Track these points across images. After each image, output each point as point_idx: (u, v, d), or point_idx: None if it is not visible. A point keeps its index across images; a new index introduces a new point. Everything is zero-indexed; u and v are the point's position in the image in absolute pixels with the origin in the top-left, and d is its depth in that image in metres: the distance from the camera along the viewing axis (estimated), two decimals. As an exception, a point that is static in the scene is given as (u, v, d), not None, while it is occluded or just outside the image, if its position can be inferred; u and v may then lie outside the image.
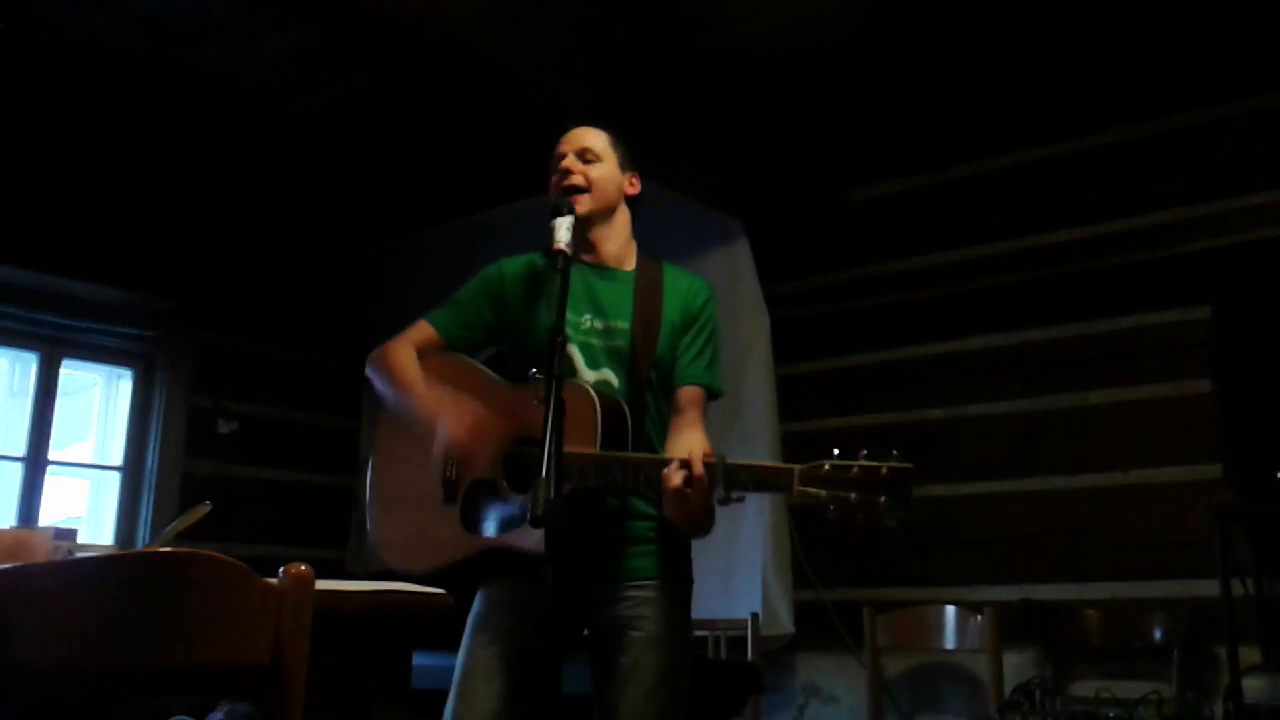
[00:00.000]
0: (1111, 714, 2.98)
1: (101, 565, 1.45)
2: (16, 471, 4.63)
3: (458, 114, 4.49)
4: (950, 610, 4.03)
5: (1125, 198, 4.20)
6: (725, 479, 1.98)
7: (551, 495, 1.74)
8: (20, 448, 4.65)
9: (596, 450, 2.09)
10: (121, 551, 2.66)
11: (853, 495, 1.87)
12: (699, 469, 1.99)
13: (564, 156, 2.40)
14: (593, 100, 3.91)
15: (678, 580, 2.34)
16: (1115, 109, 4.21)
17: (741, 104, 4.35)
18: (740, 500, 2.01)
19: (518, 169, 4.77)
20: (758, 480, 2.01)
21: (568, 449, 1.89)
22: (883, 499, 1.86)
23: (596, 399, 2.15)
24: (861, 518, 1.88)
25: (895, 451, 1.89)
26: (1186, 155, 4.12)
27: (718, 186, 4.57)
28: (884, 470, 1.87)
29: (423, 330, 2.44)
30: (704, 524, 2.10)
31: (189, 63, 4.13)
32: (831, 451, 1.91)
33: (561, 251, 2.13)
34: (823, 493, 1.89)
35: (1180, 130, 4.15)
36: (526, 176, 4.66)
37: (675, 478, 2.00)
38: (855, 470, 1.88)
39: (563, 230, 2.19)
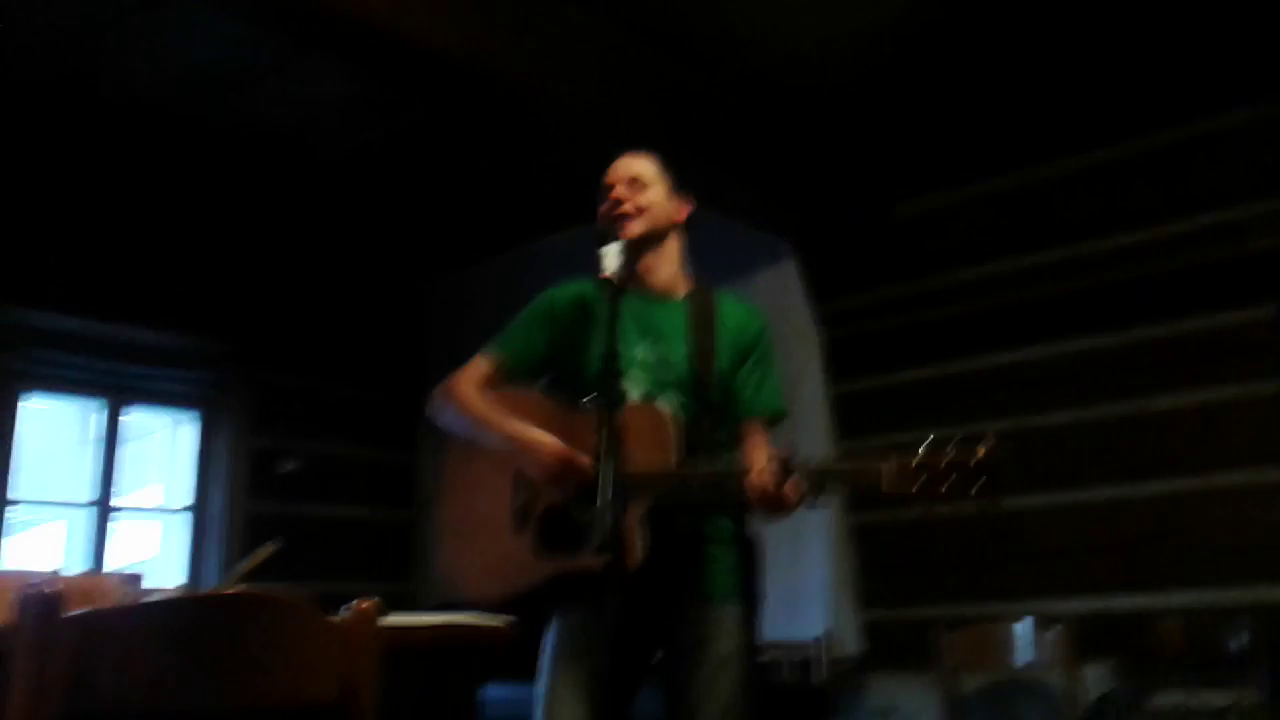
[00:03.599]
0: (1196, 726, 2.90)
1: (171, 608, 1.46)
2: (86, 518, 4.71)
3: (503, 147, 4.53)
4: (1025, 624, 3.95)
5: (1183, 199, 4.13)
6: (812, 484, 1.98)
7: (611, 523, 1.74)
8: (88, 494, 4.73)
9: (675, 467, 2.11)
10: (188, 593, 2.69)
11: (945, 486, 1.85)
12: (786, 472, 2.00)
13: (613, 187, 2.41)
14: (635, 126, 3.93)
15: (750, 599, 2.34)
16: (1169, 110, 4.15)
17: (784, 123, 4.34)
18: (826, 504, 2.01)
19: (565, 197, 4.80)
20: (846, 479, 2.00)
21: (646, 467, 1.90)
22: (975, 487, 1.84)
23: (672, 416, 2.17)
24: (949, 508, 1.86)
25: (988, 437, 1.86)
26: (1245, 153, 4.04)
27: (764, 207, 4.56)
28: (975, 458, 1.85)
29: (480, 365, 2.45)
30: (788, 511, 2.09)
31: (240, 110, 4.21)
32: (919, 443, 1.88)
33: (609, 280, 2.13)
34: (913, 488, 1.87)
35: (1238, 128, 4.08)
36: (574, 204, 4.71)
37: (768, 479, 2.00)
38: (947, 460, 1.86)
39: (610, 258, 2.19)
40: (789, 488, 2.00)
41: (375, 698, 1.58)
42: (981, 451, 1.85)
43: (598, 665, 2.20)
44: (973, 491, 1.84)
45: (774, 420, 2.40)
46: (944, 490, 1.85)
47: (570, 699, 2.21)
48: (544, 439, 2.22)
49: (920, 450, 1.88)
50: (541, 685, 2.27)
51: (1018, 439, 4.30)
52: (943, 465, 1.86)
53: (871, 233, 4.90)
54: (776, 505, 2.02)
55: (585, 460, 2.13)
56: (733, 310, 2.44)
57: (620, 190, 2.39)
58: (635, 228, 2.35)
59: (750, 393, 2.38)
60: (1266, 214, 3.93)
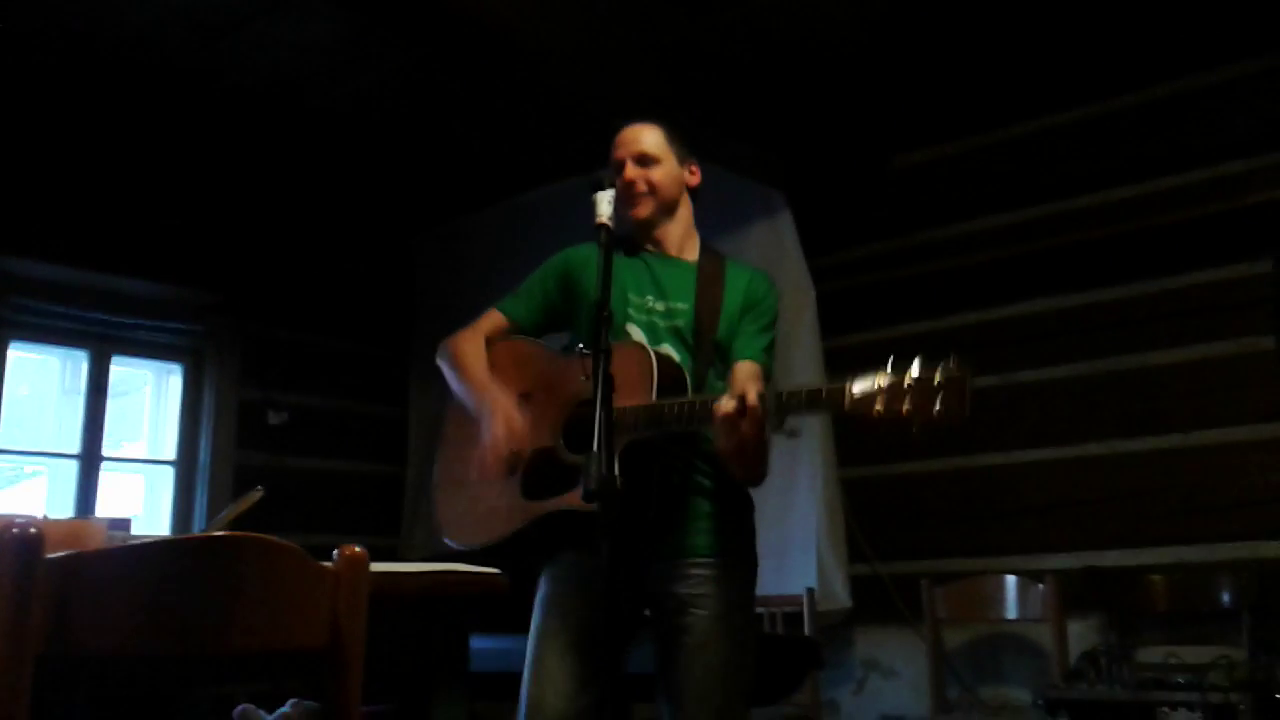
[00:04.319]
0: (1181, 679, 2.91)
1: (156, 550, 1.44)
2: (72, 469, 4.68)
3: (494, 96, 4.46)
4: (1011, 580, 3.98)
5: (1181, 152, 4.09)
6: (776, 405, 1.97)
7: (605, 471, 1.73)
8: (75, 445, 4.70)
9: (652, 400, 2.11)
10: (174, 537, 2.68)
11: (906, 407, 1.84)
12: (752, 396, 1.98)
13: (623, 164, 2.41)
14: (628, 75, 3.88)
15: (740, 558, 2.34)
16: (1168, 63, 4.10)
17: (779, 73, 4.28)
18: (794, 435, 2.02)
19: (556, 149, 4.75)
20: (809, 402, 1.99)
21: (623, 404, 1.90)
22: (938, 409, 1.83)
23: (652, 354, 2.19)
24: (916, 430, 1.84)
25: (953, 355, 1.86)
26: (1244, 106, 4.01)
27: (758, 158, 4.52)
28: (938, 378, 1.84)
29: (492, 318, 2.50)
30: (757, 462, 2.09)
31: (225, 55, 4.13)
32: (884, 363, 1.88)
33: (604, 225, 2.12)
34: (877, 406, 1.86)
35: (1235, 81, 4.04)
36: (566, 156, 4.67)
37: (727, 405, 1.99)
38: (909, 380, 1.85)
39: (603, 204, 2.17)
40: (750, 413, 1.98)
41: (363, 645, 1.56)
42: (941, 373, 1.84)
43: (587, 619, 2.20)
44: (935, 409, 1.82)
45: (765, 373, 2.38)
46: (906, 409, 1.84)
47: (560, 652, 2.22)
48: (501, 409, 2.27)
49: (884, 369, 1.87)
50: (531, 638, 2.29)
51: (1011, 393, 4.30)
52: (905, 384, 1.85)
53: (867, 186, 4.86)
54: (738, 431, 2.00)
55: (522, 442, 2.23)
56: (742, 275, 2.45)
57: (631, 170, 2.40)
58: (645, 210, 2.40)
59: (747, 338, 2.38)
60: (1265, 167, 3.90)
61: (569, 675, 2.19)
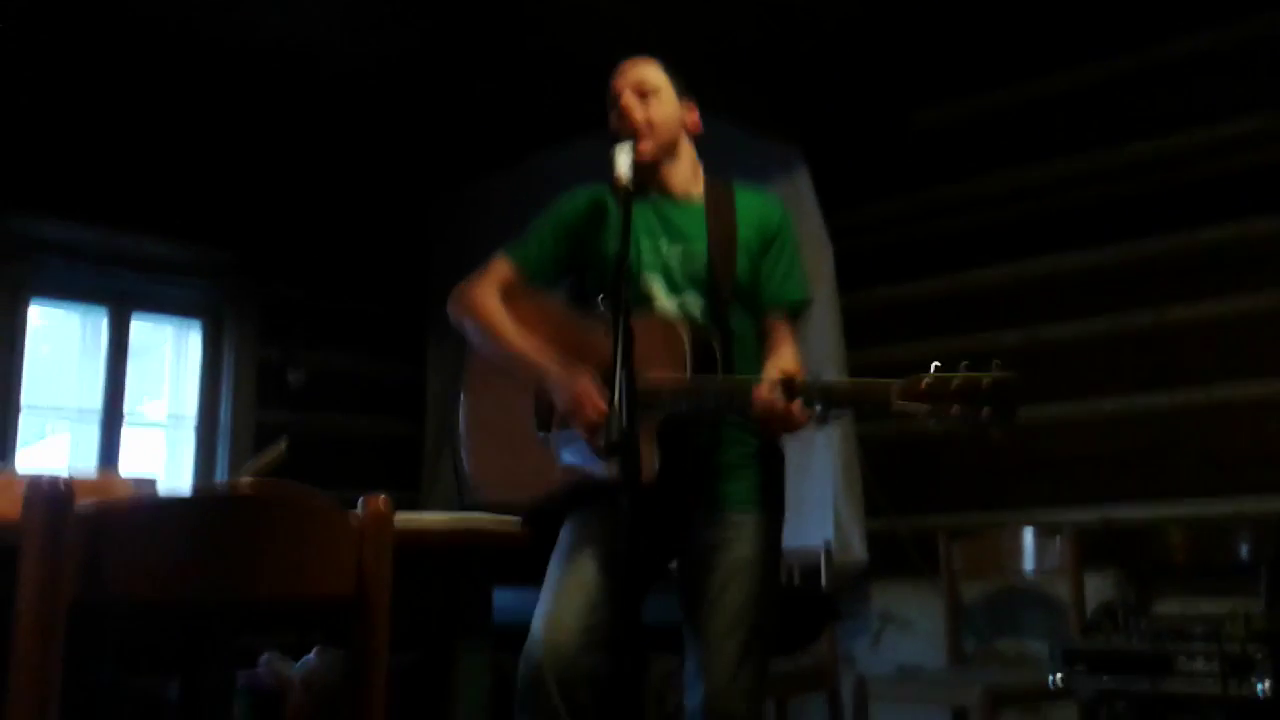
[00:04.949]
0: (1199, 629, 2.92)
1: (186, 501, 1.47)
2: (94, 427, 4.72)
3: (508, 57, 4.43)
4: (1028, 533, 3.98)
5: (1204, 106, 4.04)
6: (821, 399, 1.98)
7: (624, 424, 1.74)
8: (96, 403, 4.74)
9: (687, 377, 2.09)
10: (202, 488, 2.71)
11: (955, 408, 1.83)
12: (795, 407, 1.99)
13: (620, 94, 2.38)
14: (643, 33, 3.84)
15: (770, 507, 2.35)
16: (1190, 16, 4.04)
17: (795, 30, 4.24)
18: (839, 417, 2.04)
19: (571, 110, 4.72)
20: (854, 398, 2.00)
21: (659, 377, 1.88)
22: (985, 411, 1.81)
23: (685, 326, 2.18)
24: (966, 430, 1.83)
25: (997, 361, 1.83)
26: (1267, 60, 3.95)
27: (776, 115, 4.48)
28: (986, 381, 1.82)
29: (501, 268, 2.45)
30: (796, 430, 2.10)
31: (242, 17, 4.12)
32: (929, 367, 1.86)
33: (623, 185, 2.12)
34: (924, 407, 1.85)
35: (1260, 35, 3.98)
36: (579, 115, 4.64)
37: (769, 402, 2.00)
38: (956, 382, 1.83)
39: (623, 155, 2.17)
40: (794, 407, 2.00)
41: (389, 594, 1.59)
42: (989, 378, 1.81)
43: (606, 560, 2.21)
44: (983, 415, 1.81)
45: (797, 310, 2.40)
46: (954, 411, 1.83)
47: (575, 586, 2.21)
48: (563, 375, 2.19)
49: (930, 371, 1.86)
50: (549, 575, 2.28)
51: (1030, 350, 4.29)
52: (952, 388, 1.83)
53: (885, 142, 4.82)
54: (781, 424, 2.03)
55: (601, 404, 2.07)
56: (751, 203, 2.42)
57: (628, 99, 2.36)
58: (647, 147, 2.33)
59: (775, 285, 2.37)
60: (1289, 122, 3.86)
61: (584, 601, 2.18)
